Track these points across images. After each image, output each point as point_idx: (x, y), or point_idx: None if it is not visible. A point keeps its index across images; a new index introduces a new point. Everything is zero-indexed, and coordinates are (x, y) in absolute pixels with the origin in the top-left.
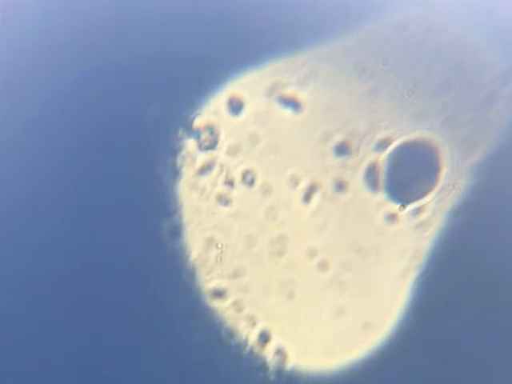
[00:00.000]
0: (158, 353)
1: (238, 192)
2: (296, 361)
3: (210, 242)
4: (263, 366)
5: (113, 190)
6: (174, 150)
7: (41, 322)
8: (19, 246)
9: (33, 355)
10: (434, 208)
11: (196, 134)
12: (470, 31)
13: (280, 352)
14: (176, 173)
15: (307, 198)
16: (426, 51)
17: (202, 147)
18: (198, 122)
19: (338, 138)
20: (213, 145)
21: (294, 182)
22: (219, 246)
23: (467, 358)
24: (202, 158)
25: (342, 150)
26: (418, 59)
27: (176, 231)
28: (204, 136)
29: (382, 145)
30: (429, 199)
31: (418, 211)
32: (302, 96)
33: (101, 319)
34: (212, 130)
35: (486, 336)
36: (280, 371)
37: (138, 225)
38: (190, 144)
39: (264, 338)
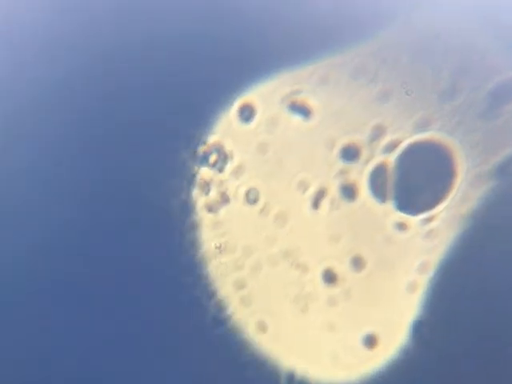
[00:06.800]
0: (172, 361)
1: (246, 206)
2: (305, 372)
3: (218, 254)
4: (273, 375)
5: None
6: (181, 168)
7: (45, 323)
8: (21, 249)
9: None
10: (445, 216)
11: (204, 158)
12: (477, 35)
13: (289, 362)
14: (184, 189)
15: (316, 204)
16: (434, 56)
17: (211, 168)
18: (206, 146)
19: (346, 144)
20: (222, 166)
21: (303, 188)
22: (217, 245)
23: (479, 370)
24: (208, 174)
25: (350, 155)
26: (426, 64)
27: (186, 245)
28: (213, 158)
29: (391, 150)
30: (441, 208)
31: (428, 220)
32: (313, 102)
33: (113, 325)
34: (220, 150)
35: (500, 348)
36: (290, 380)
37: (146, 237)
38: (198, 166)
39: (273, 346)
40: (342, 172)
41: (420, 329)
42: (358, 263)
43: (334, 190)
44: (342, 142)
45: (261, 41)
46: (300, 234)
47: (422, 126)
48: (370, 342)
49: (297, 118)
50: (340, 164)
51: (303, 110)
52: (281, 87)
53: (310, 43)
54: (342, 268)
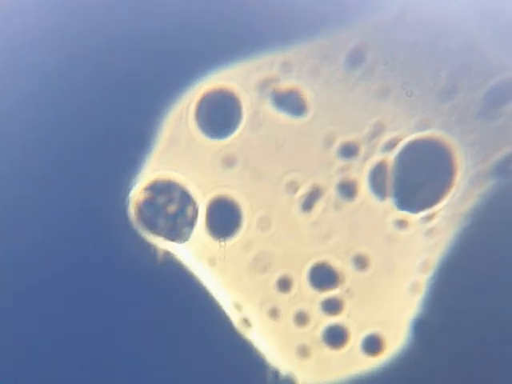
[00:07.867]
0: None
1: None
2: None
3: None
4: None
5: None
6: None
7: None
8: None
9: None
10: (445, 214)
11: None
12: (477, 34)
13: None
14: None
15: (309, 205)
16: (434, 54)
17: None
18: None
19: (342, 141)
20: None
21: (293, 188)
22: (221, 243)
23: (482, 369)
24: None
25: (347, 153)
26: (426, 62)
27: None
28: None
29: (390, 148)
30: (441, 206)
31: (428, 218)
32: (305, 96)
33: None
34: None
35: (503, 347)
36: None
37: None
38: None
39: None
40: (338, 170)
41: (422, 328)
42: (358, 262)
43: (331, 188)
44: (338, 138)
45: (238, 19)
46: (294, 235)
47: (422, 124)
48: (372, 342)
49: (288, 113)
50: (338, 162)
51: (295, 104)
52: (264, 75)
53: (292, 24)
54: (342, 267)
